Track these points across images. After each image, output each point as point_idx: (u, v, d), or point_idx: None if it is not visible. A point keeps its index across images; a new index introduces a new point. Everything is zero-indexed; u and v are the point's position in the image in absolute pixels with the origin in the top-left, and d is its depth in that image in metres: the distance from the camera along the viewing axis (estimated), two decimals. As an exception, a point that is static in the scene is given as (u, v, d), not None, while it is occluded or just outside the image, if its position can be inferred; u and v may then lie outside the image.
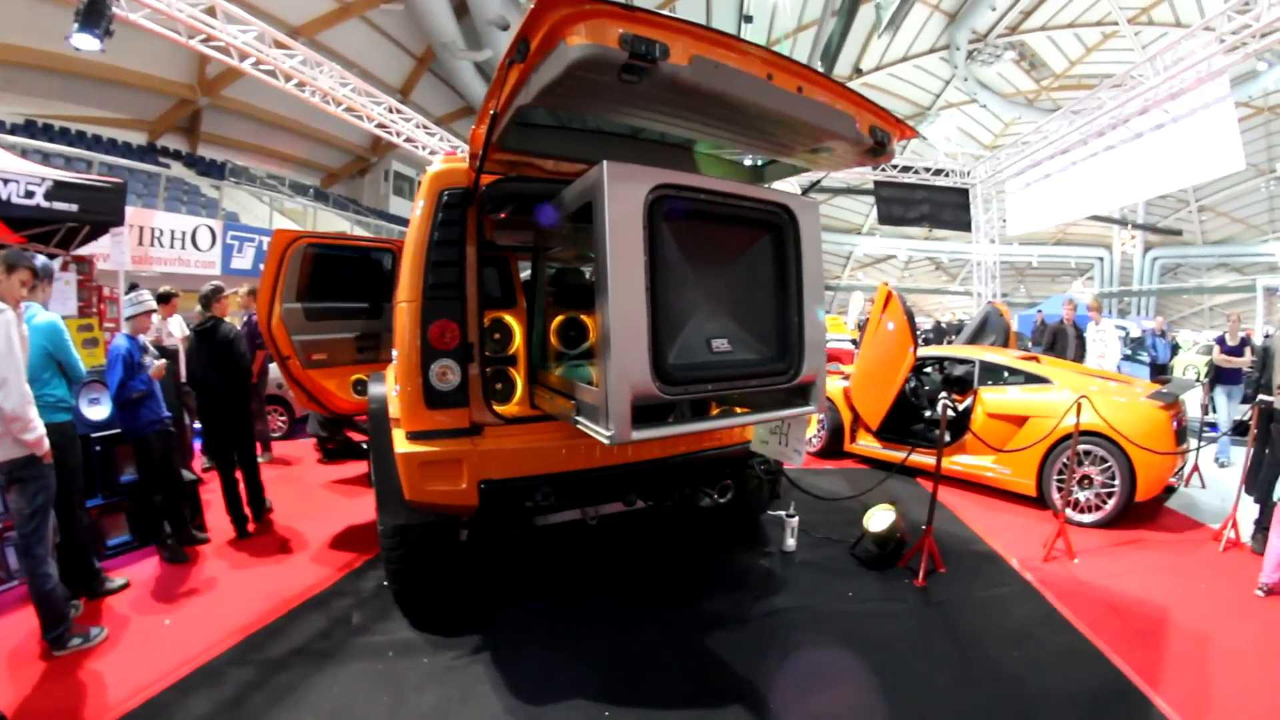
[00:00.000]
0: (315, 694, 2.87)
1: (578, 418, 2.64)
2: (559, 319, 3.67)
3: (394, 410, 3.29)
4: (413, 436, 3.06)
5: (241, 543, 4.78)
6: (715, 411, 2.97)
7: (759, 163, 3.53)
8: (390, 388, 3.50)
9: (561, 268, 3.96)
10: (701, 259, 2.59)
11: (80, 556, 3.82)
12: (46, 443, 3.15)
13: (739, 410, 3.03)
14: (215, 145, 19.82)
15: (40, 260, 3.71)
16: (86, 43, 9.22)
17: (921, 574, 4.02)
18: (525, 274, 4.03)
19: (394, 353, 3.42)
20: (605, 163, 2.28)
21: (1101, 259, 33.66)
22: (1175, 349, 12.92)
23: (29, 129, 13.98)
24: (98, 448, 4.43)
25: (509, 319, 3.55)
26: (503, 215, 3.54)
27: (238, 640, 3.34)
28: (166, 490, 4.51)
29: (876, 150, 2.93)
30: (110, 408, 4.57)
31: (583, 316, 3.70)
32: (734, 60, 2.25)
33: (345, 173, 24.45)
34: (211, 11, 10.00)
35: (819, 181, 3.99)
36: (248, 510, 5.02)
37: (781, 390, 2.83)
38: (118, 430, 4.50)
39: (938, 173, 15.72)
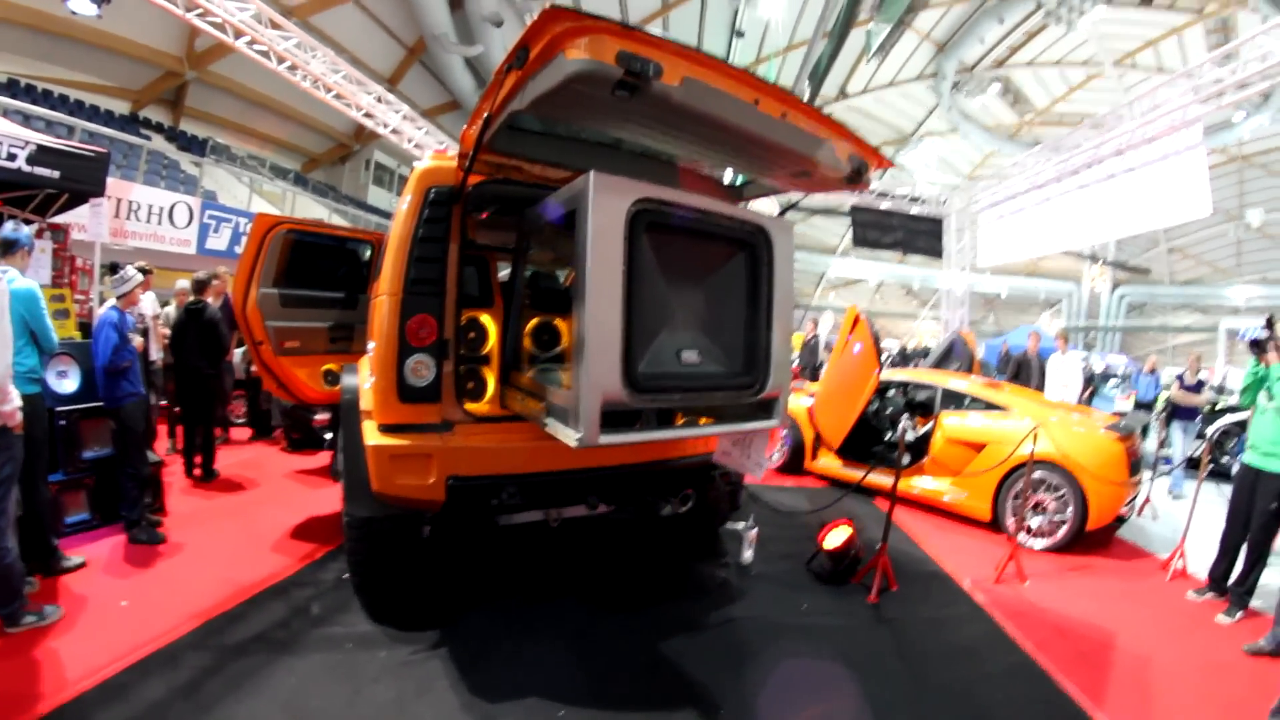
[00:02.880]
0: (272, 682, 2.87)
1: (547, 419, 2.70)
2: (534, 322, 3.73)
3: (366, 402, 3.31)
4: (384, 429, 3.09)
5: (200, 529, 4.72)
6: (680, 421, 3.04)
7: (739, 181, 3.61)
8: (364, 379, 3.51)
9: (538, 271, 4.01)
10: (677, 272, 2.68)
11: (39, 532, 3.77)
12: (19, 415, 3.11)
13: (704, 421, 3.11)
14: (198, 121, 19.39)
15: (23, 231, 3.68)
16: (83, 6, 9.09)
17: (875, 591, 4.11)
18: (504, 275, 4.07)
19: (370, 345, 3.44)
20: (592, 173, 2.36)
21: (1071, 294, 34.36)
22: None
23: (10, 88, 13.60)
24: (62, 422, 4.36)
25: (485, 319, 3.59)
26: (484, 215, 3.58)
27: (196, 625, 3.32)
28: (140, 464, 4.48)
29: (854, 178, 3.04)
30: (78, 381, 4.53)
31: (557, 321, 3.76)
32: (723, 84, 2.34)
33: (327, 159, 24.09)
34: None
35: (797, 203, 4.09)
36: (198, 467, 5.79)
37: (746, 404, 2.92)
38: (83, 405, 4.45)
39: (913, 200, 16.02)
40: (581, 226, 2.37)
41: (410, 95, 15.20)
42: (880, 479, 5.87)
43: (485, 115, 2.56)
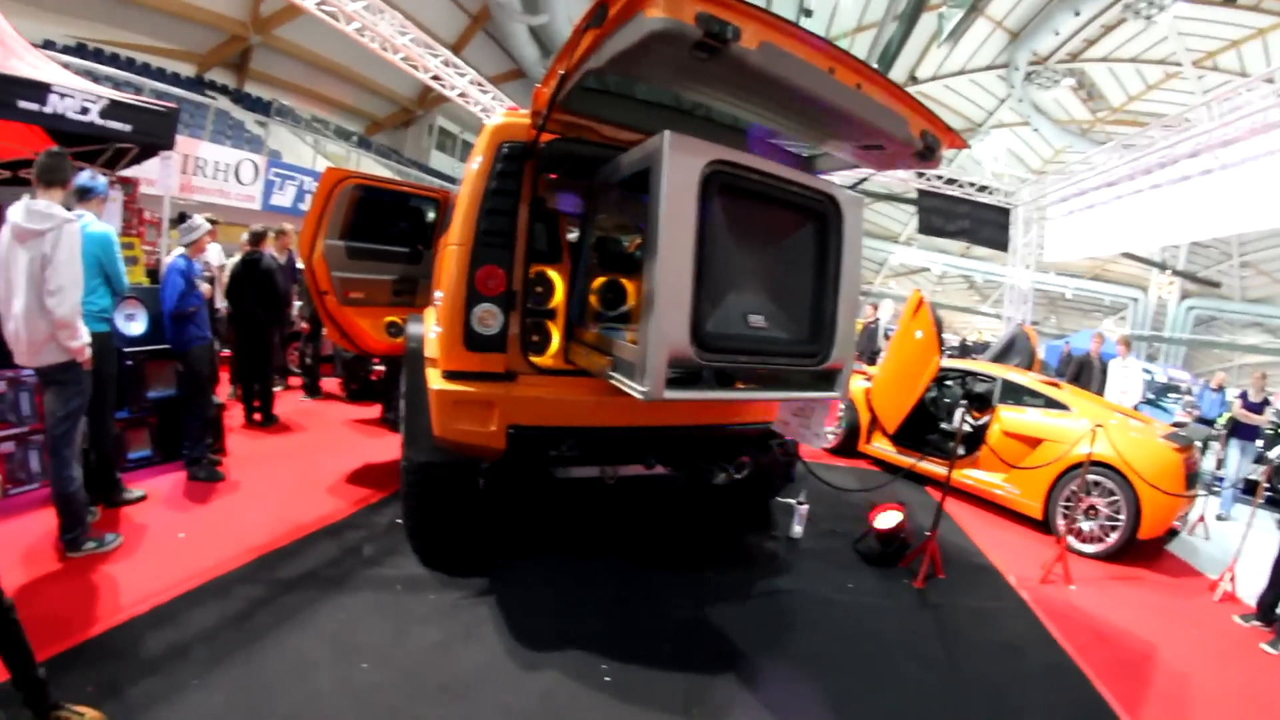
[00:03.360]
0: (321, 617, 2.97)
1: (613, 373, 2.72)
2: (600, 280, 3.71)
3: (431, 350, 3.37)
4: (448, 376, 3.14)
5: (258, 470, 4.88)
6: (740, 386, 3.04)
7: (809, 153, 3.56)
8: (429, 328, 3.57)
9: (606, 232, 4.02)
10: (747, 237, 2.66)
11: (104, 465, 3.95)
12: (89, 350, 3.24)
13: (764, 387, 3.09)
14: (263, 84, 19.79)
15: (100, 180, 3.83)
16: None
17: (921, 577, 4.08)
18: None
19: (436, 294, 3.50)
20: (667, 132, 2.35)
21: (1136, 300, 33.04)
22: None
23: (80, 51, 14.07)
24: (129, 363, 4.55)
25: (552, 273, 3.61)
26: (553, 176, 3.60)
27: (249, 559, 3.44)
28: (205, 405, 4.66)
29: (925, 155, 2.95)
30: (145, 325, 4.71)
31: (623, 280, 3.75)
32: (800, 50, 2.30)
33: (390, 123, 24.37)
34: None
35: (865, 179, 4.02)
36: (257, 411, 6.07)
37: (809, 373, 2.90)
38: (150, 348, 4.64)
39: (982, 189, 15.50)
40: (656, 184, 2.37)
41: (474, 63, 15.27)
42: (933, 467, 5.81)
43: (560, 73, 2.57)
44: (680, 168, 2.37)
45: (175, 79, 16.17)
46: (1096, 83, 23.68)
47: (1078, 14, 18.90)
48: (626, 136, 3.20)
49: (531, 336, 3.41)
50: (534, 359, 3.32)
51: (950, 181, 15.36)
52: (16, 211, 3.03)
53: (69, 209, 3.25)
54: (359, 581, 3.35)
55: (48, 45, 12.03)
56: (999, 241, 15.51)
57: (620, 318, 3.59)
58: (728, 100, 2.74)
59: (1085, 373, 9.04)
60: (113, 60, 14.72)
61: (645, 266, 2.44)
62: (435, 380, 3.16)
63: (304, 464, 5.14)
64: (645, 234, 2.48)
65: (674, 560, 4.01)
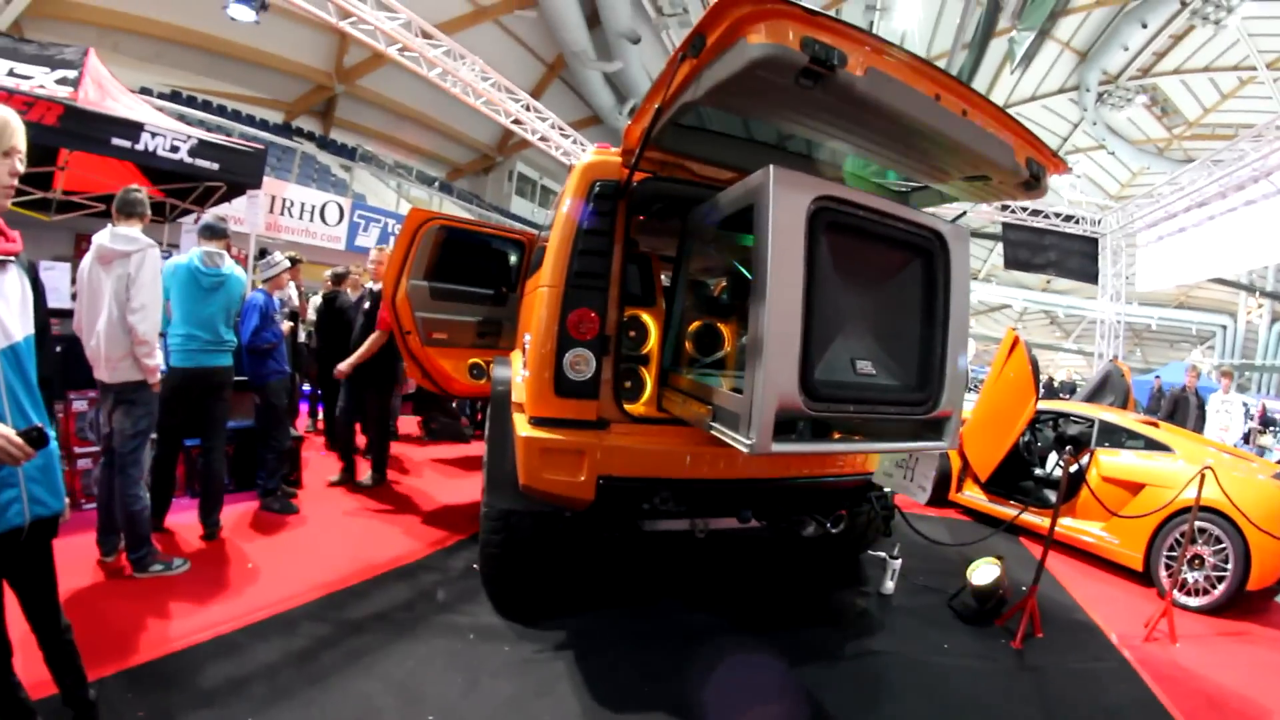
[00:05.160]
0: (388, 663, 2.88)
1: (713, 423, 2.57)
2: (696, 324, 3.58)
3: (518, 395, 3.28)
4: (536, 422, 3.03)
5: (333, 505, 4.91)
6: (836, 436, 2.86)
7: (908, 188, 3.39)
8: (516, 372, 3.50)
9: (699, 275, 3.91)
10: (853, 276, 2.51)
11: (208, 496, 4.10)
12: (160, 373, 3.42)
13: (862, 438, 2.90)
14: (347, 130, 20.74)
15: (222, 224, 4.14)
16: (242, 13, 9.90)
17: (1019, 636, 3.78)
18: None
19: (525, 337, 3.43)
20: (772, 166, 2.23)
21: (1225, 327, 31.11)
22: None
23: (174, 98, 15.03)
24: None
25: (646, 317, 3.51)
26: (642, 218, 3.51)
27: (318, 596, 3.40)
28: (281, 437, 4.73)
29: (1031, 184, 2.78)
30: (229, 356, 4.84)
31: (719, 324, 3.61)
32: (905, 75, 2.18)
33: (470, 169, 25.13)
34: (358, -5, 10.50)
35: (963, 214, 3.82)
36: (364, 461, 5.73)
37: (916, 421, 2.70)
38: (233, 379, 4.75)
39: (1067, 219, 14.85)
40: (761, 222, 2.24)
41: (551, 110, 15.79)
42: (1029, 517, 5.44)
43: (655, 108, 2.49)
44: (787, 204, 2.24)
45: (264, 125, 17.10)
46: (1170, 97, 22.90)
47: (1144, 26, 18.37)
48: (722, 175, 3.10)
49: (625, 383, 3.29)
50: (627, 406, 3.19)
51: (1035, 213, 14.79)
52: (102, 236, 3.29)
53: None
54: (430, 627, 3.25)
55: (144, 92, 12.87)
56: (1088, 273, 14.86)
57: (716, 364, 3.45)
58: (830, 133, 2.60)
59: (1181, 408, 8.54)
60: (205, 107, 15.65)
61: (751, 310, 2.30)
62: (523, 426, 3.05)
63: (381, 501, 5.12)
64: (752, 275, 2.35)
65: (761, 617, 3.80)
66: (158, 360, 3.36)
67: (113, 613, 3.01)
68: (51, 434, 1.76)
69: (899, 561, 4.33)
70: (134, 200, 3.40)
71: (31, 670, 2.02)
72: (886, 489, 3.56)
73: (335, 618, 3.23)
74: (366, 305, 5.53)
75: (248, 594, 3.33)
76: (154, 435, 3.69)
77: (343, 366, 5.24)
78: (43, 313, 1.94)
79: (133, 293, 3.24)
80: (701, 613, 3.75)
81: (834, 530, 3.64)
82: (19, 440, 1.64)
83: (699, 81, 2.19)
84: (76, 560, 3.43)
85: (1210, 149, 12.67)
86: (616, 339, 3.11)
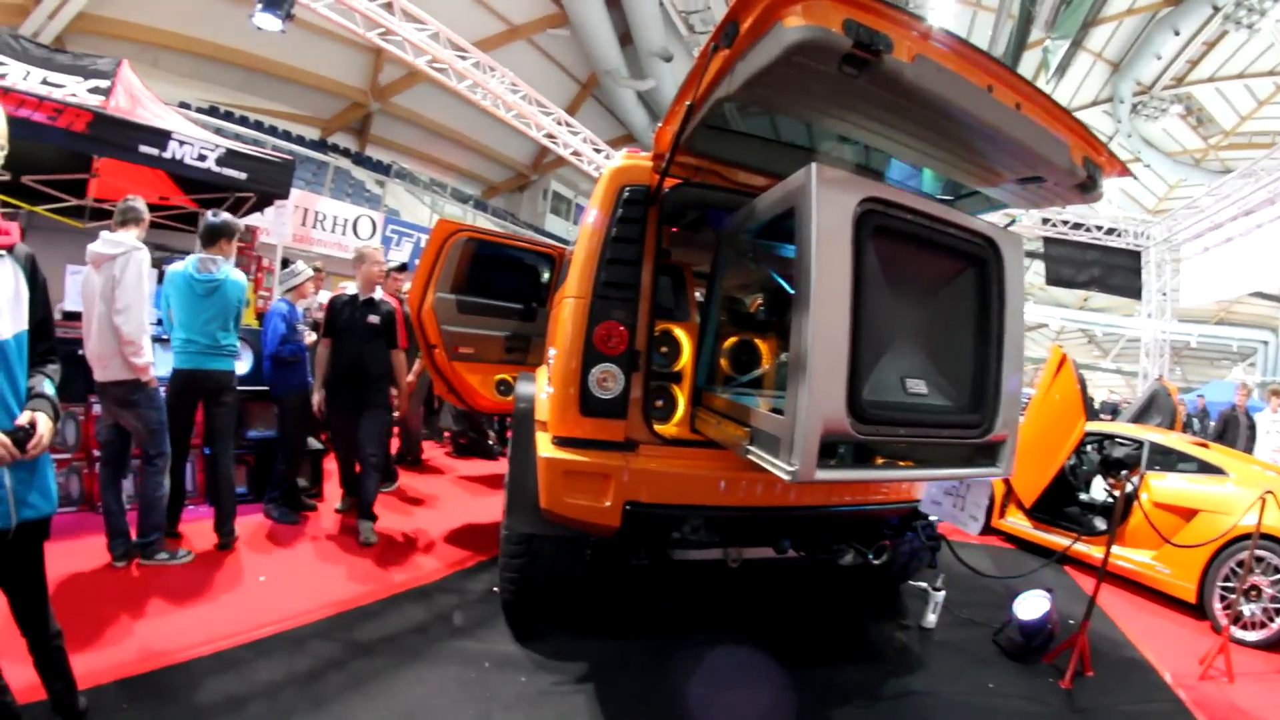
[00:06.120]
0: (397, 688, 2.74)
1: (751, 447, 2.36)
2: (732, 339, 3.36)
3: (541, 412, 3.10)
4: (559, 442, 2.85)
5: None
6: (879, 461, 2.64)
7: (957, 194, 3.15)
8: (540, 388, 3.31)
9: (736, 289, 3.72)
10: (903, 285, 2.31)
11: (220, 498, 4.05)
12: (153, 370, 3.50)
13: (908, 464, 2.67)
14: (382, 147, 20.88)
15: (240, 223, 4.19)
16: (268, 22, 10.00)
17: (1069, 675, 3.52)
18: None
19: (549, 352, 3.26)
20: (815, 165, 2.05)
21: (1266, 343, 30.04)
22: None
23: (212, 113, 15.34)
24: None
25: (679, 332, 3.33)
26: (675, 230, 3.35)
27: (328, 614, 3.29)
28: (296, 449, 4.65)
29: (1088, 186, 2.60)
30: (250, 364, 4.78)
31: (757, 340, 3.40)
32: (957, 64, 1.99)
33: (505, 187, 25.19)
34: (389, 7, 10.57)
35: (1013, 222, 3.59)
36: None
37: (969, 445, 2.48)
38: (251, 388, 4.68)
39: (1109, 232, 14.29)
40: (804, 226, 2.06)
41: (585, 128, 15.84)
42: (1080, 547, 5.13)
43: (686, 105, 2.32)
44: (831, 206, 2.05)
45: (300, 140, 17.37)
46: (1205, 106, 22.30)
47: (1177, 33, 17.87)
48: (756, 181, 2.92)
49: (655, 402, 3.12)
50: (657, 427, 2.99)
51: (1076, 226, 14.27)
52: (96, 243, 3.44)
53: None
54: (443, 653, 3.09)
55: (183, 106, 13.14)
56: (1131, 288, 14.31)
57: (754, 382, 3.23)
58: (877, 129, 2.38)
59: (1231, 428, 8.31)
60: (242, 122, 15.93)
61: (793, 322, 2.10)
62: (545, 447, 2.86)
63: (401, 518, 5.01)
64: (794, 284, 2.16)
65: (795, 652, 3.57)
66: (146, 358, 3.43)
67: (115, 620, 2.95)
68: (43, 433, 1.72)
69: (943, 593, 4.08)
70: (127, 208, 3.57)
71: (21, 675, 1.96)
72: (933, 517, 3.32)
73: (344, 638, 3.10)
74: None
75: (255, 608, 3.23)
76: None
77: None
78: (42, 306, 1.90)
79: (117, 294, 3.35)
80: (730, 644, 3.53)
81: (876, 561, 3.38)
82: (5, 439, 1.60)
83: (733, 73, 2.02)
84: (86, 564, 3.42)
85: (1248, 158, 12.20)
86: (646, 354, 2.92)
